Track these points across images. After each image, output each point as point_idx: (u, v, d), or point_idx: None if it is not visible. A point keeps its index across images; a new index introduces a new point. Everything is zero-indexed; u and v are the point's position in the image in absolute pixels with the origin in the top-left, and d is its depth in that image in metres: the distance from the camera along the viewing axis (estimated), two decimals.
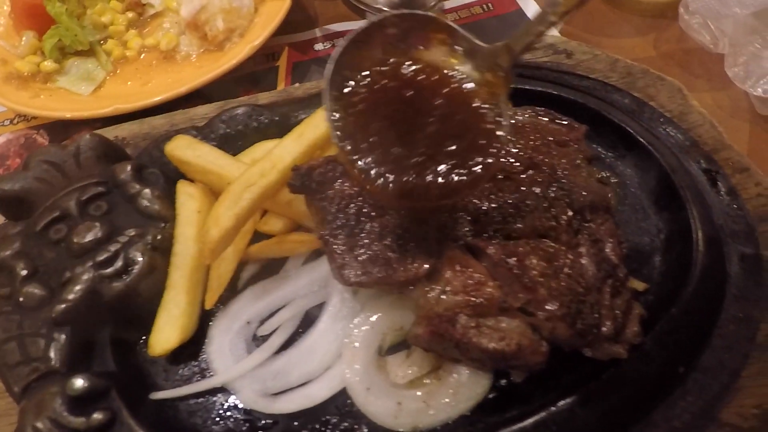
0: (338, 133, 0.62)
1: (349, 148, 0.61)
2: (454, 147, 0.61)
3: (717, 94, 1.21)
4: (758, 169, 0.92)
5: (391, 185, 0.61)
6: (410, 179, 0.60)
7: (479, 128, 0.62)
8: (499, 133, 0.62)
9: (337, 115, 0.62)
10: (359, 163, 0.61)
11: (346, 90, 0.63)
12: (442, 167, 0.61)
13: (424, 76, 0.64)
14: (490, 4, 1.49)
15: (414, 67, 0.64)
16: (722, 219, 0.87)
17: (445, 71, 0.65)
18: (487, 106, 0.63)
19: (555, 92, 1.06)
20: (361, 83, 0.64)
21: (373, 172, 0.60)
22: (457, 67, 0.65)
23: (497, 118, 0.63)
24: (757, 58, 1.12)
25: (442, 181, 0.61)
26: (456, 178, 0.61)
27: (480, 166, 0.61)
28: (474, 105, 0.63)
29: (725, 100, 1.20)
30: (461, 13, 1.49)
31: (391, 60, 0.64)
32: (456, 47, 0.65)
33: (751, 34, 1.13)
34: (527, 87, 1.07)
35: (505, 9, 1.48)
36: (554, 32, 1.37)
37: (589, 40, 1.36)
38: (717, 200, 0.90)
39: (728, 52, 1.17)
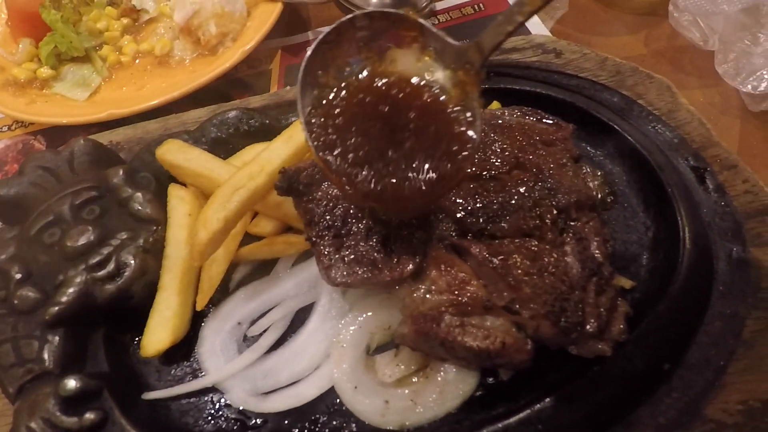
0: (313, 137, 0.63)
1: (323, 152, 0.62)
2: (428, 150, 0.62)
3: (708, 91, 1.21)
4: (746, 165, 0.92)
5: (364, 188, 0.61)
6: (385, 183, 0.61)
7: (452, 132, 0.63)
8: (470, 133, 0.63)
9: (313, 120, 0.63)
10: (334, 165, 0.62)
11: (324, 101, 0.64)
12: (417, 172, 0.62)
13: (397, 84, 0.64)
14: (481, 5, 1.50)
15: (388, 74, 0.65)
16: (710, 216, 0.88)
17: (418, 77, 0.65)
18: (458, 108, 0.64)
19: (544, 92, 1.06)
20: (335, 89, 0.64)
21: (347, 175, 0.61)
22: (429, 68, 0.65)
23: (469, 119, 0.63)
24: (746, 54, 1.12)
25: (419, 184, 0.61)
26: (432, 180, 0.62)
27: (453, 166, 0.62)
28: (445, 108, 0.64)
29: (716, 97, 1.20)
30: (453, 13, 1.49)
31: (364, 60, 0.64)
32: (428, 45, 0.66)
33: (740, 30, 1.13)
34: (516, 87, 1.08)
35: (496, 9, 1.48)
36: (545, 31, 1.38)
37: (579, 38, 1.36)
38: (705, 197, 0.90)
39: (718, 49, 1.17)
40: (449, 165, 0.62)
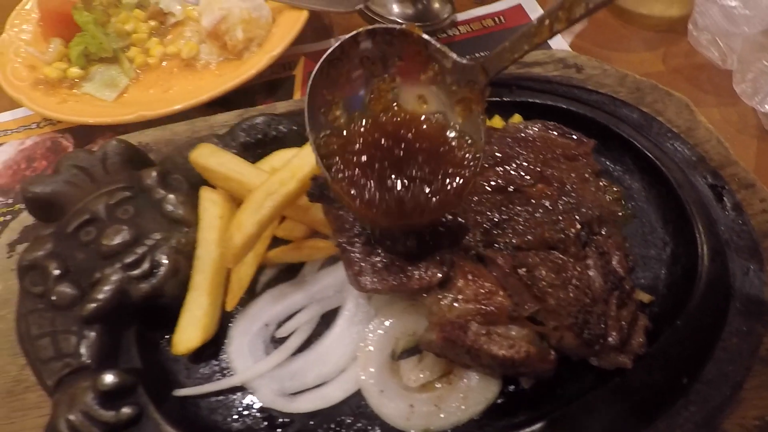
0: (325, 164, 0.65)
1: (332, 171, 0.65)
2: (434, 170, 0.65)
3: (725, 110, 1.23)
4: (764, 185, 0.94)
5: (373, 207, 0.65)
6: (391, 201, 0.65)
7: (456, 151, 0.66)
8: (473, 151, 0.66)
9: (322, 142, 0.65)
10: (346, 187, 0.64)
11: (330, 119, 0.65)
12: (424, 194, 0.65)
13: (401, 101, 0.67)
14: (501, 17, 1.53)
15: (392, 90, 0.67)
16: (727, 234, 0.90)
17: (423, 93, 0.67)
18: (463, 126, 0.66)
19: (565, 106, 1.09)
20: (342, 109, 0.66)
21: (355, 194, 0.64)
22: (434, 84, 0.66)
23: (473, 138, 0.66)
24: (764, 75, 1.14)
25: (424, 201, 0.65)
26: (437, 196, 0.65)
27: (455, 184, 0.65)
28: (451, 126, 0.67)
29: (733, 115, 1.22)
30: (474, 25, 1.52)
31: (369, 76, 0.65)
32: (432, 61, 0.67)
33: (759, 51, 1.15)
34: (538, 101, 1.10)
35: (516, 21, 1.51)
36: (565, 46, 1.40)
37: (599, 54, 1.38)
38: (722, 215, 0.92)
39: (736, 69, 1.19)
40: (455, 184, 0.65)
